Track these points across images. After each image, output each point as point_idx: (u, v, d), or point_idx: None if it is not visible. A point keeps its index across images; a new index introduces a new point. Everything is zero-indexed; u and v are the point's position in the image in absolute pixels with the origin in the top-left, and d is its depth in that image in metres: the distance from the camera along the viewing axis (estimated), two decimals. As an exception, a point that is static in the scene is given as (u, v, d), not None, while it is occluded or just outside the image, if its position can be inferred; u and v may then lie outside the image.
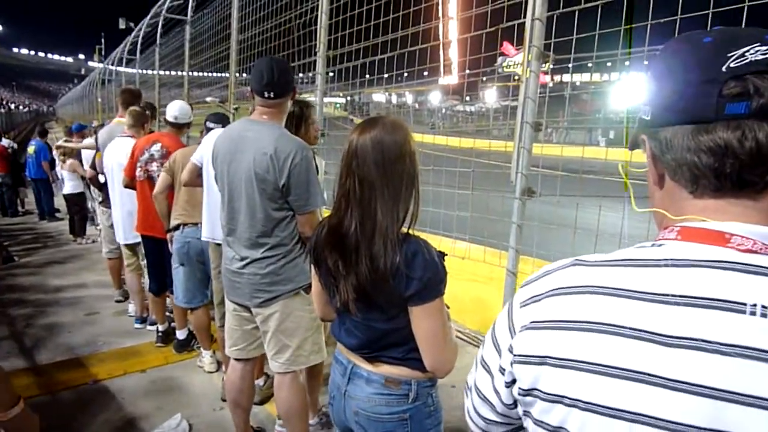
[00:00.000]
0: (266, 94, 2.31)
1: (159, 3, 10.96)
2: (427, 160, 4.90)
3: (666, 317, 0.61)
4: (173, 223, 3.56)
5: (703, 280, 0.61)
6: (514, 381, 0.75)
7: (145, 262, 4.29)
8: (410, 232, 1.43)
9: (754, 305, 0.58)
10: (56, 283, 5.96)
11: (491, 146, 4.85)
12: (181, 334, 4.04)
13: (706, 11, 2.81)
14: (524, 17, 3.64)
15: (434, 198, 4.49)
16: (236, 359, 2.60)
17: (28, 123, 41.30)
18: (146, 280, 4.34)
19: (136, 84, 14.59)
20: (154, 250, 4.00)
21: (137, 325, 4.60)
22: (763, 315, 0.57)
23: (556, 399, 0.68)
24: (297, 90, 2.61)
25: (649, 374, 0.60)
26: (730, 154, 0.63)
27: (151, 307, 4.36)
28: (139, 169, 3.91)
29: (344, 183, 1.43)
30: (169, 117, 4.02)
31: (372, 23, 5.02)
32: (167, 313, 4.27)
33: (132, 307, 4.82)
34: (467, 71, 5.20)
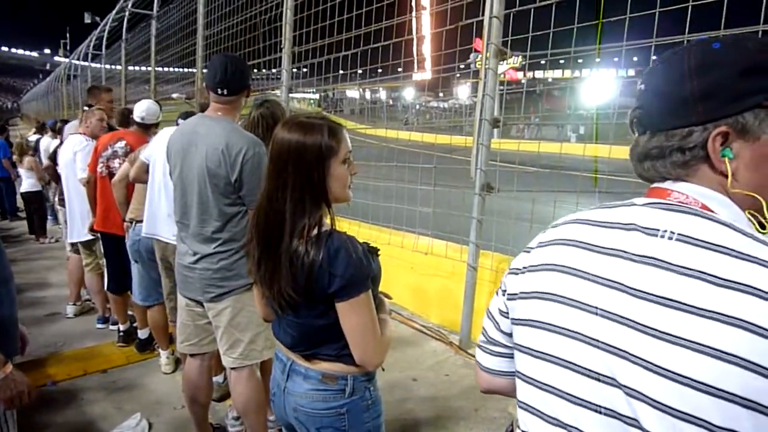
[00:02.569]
0: (219, 91, 2.34)
1: (124, -3, 10.78)
2: (390, 155, 4.97)
3: (599, 235, 0.82)
4: (128, 216, 3.55)
5: (635, 214, 0.80)
6: (504, 291, 0.97)
7: (104, 261, 4.24)
8: (335, 228, 1.46)
9: (665, 231, 0.74)
10: (17, 282, 5.82)
11: (452, 141, 4.91)
12: (142, 334, 4.00)
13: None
14: (483, 15, 3.69)
15: (398, 194, 4.54)
16: (191, 355, 2.60)
17: (-9, 120, 40.06)
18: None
19: (102, 80, 14.33)
20: (114, 248, 3.95)
21: (99, 325, 4.54)
22: (670, 238, 0.73)
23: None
24: (253, 87, 2.63)
25: (573, 268, 0.83)
26: None
27: (112, 307, 4.30)
28: (101, 165, 3.89)
29: (265, 183, 1.48)
30: (137, 117, 4.00)
31: (341, 18, 4.98)
32: (129, 313, 4.23)
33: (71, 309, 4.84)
34: (431, 68, 5.24)
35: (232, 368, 2.48)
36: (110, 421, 3.12)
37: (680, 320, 0.67)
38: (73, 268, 4.79)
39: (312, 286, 1.40)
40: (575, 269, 0.81)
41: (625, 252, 0.76)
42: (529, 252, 0.94)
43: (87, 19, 20.11)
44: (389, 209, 4.46)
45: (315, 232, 1.42)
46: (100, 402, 3.35)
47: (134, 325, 4.13)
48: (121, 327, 4.18)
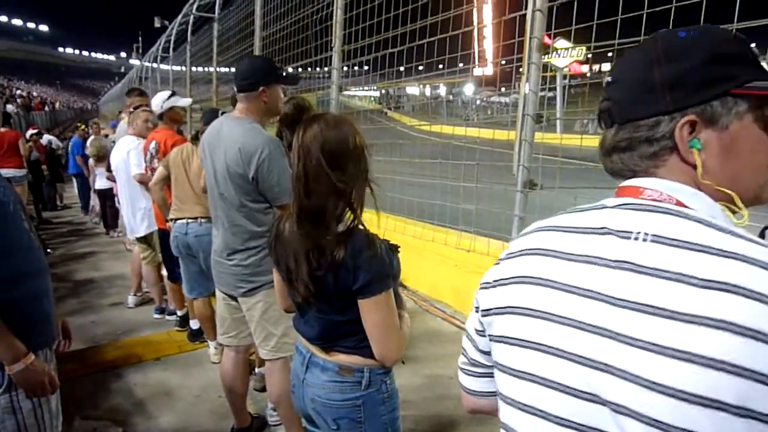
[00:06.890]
0: (237, 90, 2.41)
1: (189, 2, 11.23)
2: (434, 150, 4.96)
3: (571, 242, 0.77)
4: (170, 216, 3.75)
5: (607, 216, 0.75)
6: (477, 308, 0.91)
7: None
8: (360, 226, 1.47)
9: (639, 233, 0.70)
10: (85, 273, 6.23)
11: (495, 135, 4.85)
12: (193, 324, 4.19)
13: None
14: (526, 9, 3.63)
15: (444, 190, 4.52)
16: (229, 346, 2.71)
17: (72, 120, 42.70)
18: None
19: (170, 81, 14.99)
20: (163, 242, 4.21)
21: (156, 316, 4.79)
22: (644, 240, 0.69)
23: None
24: (305, 87, 2.70)
25: (550, 280, 0.77)
26: None
27: (169, 295, 4.59)
28: (148, 170, 4.12)
29: (293, 180, 1.49)
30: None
31: (397, 12, 4.94)
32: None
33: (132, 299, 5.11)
34: (492, 61, 5.17)
35: (267, 360, 2.56)
36: (157, 405, 3.30)
37: (663, 327, 0.63)
38: (135, 260, 5.07)
39: (336, 283, 1.44)
40: (547, 280, 0.77)
41: (599, 258, 0.72)
42: (498, 264, 0.89)
43: (157, 23, 21.09)
44: (433, 206, 4.44)
45: (341, 229, 1.45)
46: (149, 388, 3.53)
47: (188, 314, 4.34)
48: (179, 312, 4.46)
